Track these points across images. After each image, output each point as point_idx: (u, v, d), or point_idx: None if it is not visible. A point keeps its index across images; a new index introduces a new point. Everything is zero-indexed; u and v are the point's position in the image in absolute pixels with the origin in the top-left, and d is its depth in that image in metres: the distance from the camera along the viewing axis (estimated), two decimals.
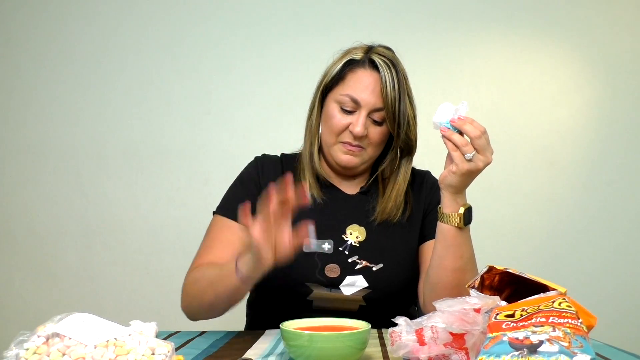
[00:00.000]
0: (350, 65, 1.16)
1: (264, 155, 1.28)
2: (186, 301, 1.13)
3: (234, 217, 1.16)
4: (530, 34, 2.25)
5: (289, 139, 2.11)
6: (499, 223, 2.18)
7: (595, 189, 2.22)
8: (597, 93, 2.24)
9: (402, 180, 1.21)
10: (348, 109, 1.14)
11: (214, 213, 1.21)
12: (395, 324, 0.83)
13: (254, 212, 1.07)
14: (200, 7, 2.26)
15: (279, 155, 1.29)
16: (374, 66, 1.14)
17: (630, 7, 2.24)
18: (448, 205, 1.04)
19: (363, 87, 1.13)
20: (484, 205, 2.27)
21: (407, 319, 0.82)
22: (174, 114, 2.25)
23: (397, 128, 1.14)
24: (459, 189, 1.03)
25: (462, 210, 1.03)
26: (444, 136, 1.00)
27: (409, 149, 1.21)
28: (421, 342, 0.78)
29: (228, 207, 1.19)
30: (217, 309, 1.09)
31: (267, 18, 2.25)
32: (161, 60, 2.26)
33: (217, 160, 2.23)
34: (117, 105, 2.26)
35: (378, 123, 1.15)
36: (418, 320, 0.81)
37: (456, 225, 1.04)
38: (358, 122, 1.12)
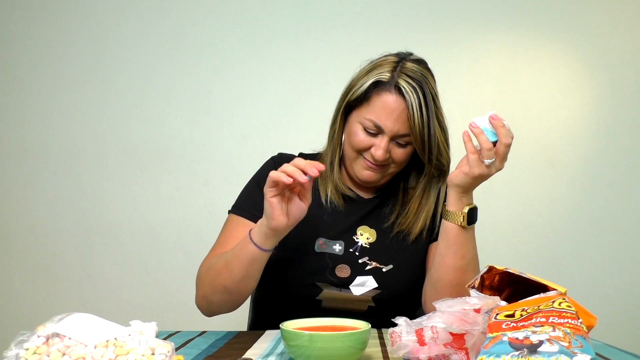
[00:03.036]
0: (376, 87, 1.10)
1: (280, 154, 1.27)
2: (201, 291, 1.12)
3: (248, 216, 1.17)
4: (530, 34, 2.25)
5: (289, 139, 2.11)
6: (499, 223, 2.18)
7: (595, 189, 2.22)
8: (597, 93, 2.24)
9: (432, 201, 1.19)
10: (371, 132, 1.11)
11: (229, 212, 1.21)
12: (395, 324, 0.83)
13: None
14: (200, 6, 2.26)
15: (297, 155, 1.29)
16: (401, 91, 1.08)
17: (631, 7, 2.24)
18: (453, 203, 1.04)
19: (387, 113, 1.08)
20: (484, 205, 2.26)
21: (407, 319, 0.82)
22: (174, 114, 2.25)
23: (428, 154, 1.11)
24: (466, 190, 1.04)
25: (466, 209, 1.04)
26: (472, 132, 0.99)
27: (441, 173, 1.18)
28: (421, 342, 0.78)
29: (242, 207, 1.19)
30: (232, 292, 1.07)
31: (268, 17, 2.25)
32: (161, 60, 2.26)
33: (217, 160, 2.23)
34: (117, 105, 2.26)
35: (402, 145, 1.12)
36: (418, 320, 0.81)
37: (459, 224, 1.04)
38: (380, 147, 1.10)
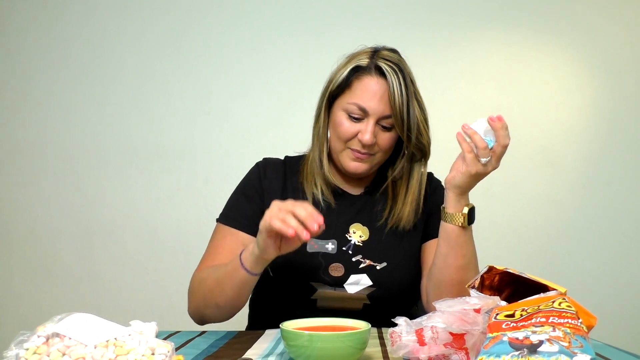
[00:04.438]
0: (356, 72, 1.14)
1: (265, 159, 1.28)
2: (193, 304, 1.13)
3: (235, 225, 1.18)
4: (531, 33, 2.25)
5: (288, 139, 2.11)
6: (499, 223, 2.18)
7: (595, 189, 2.22)
8: (597, 93, 2.24)
9: (415, 184, 1.20)
10: (356, 116, 1.12)
11: (217, 221, 1.21)
12: (395, 324, 0.83)
13: (256, 221, 1.12)
14: (199, 6, 2.27)
15: (282, 158, 1.29)
16: (381, 72, 1.12)
17: (631, 7, 2.24)
18: (452, 205, 1.05)
19: (370, 95, 1.11)
20: (484, 206, 2.26)
21: (407, 319, 0.82)
22: (174, 114, 2.25)
23: (407, 133, 1.13)
24: (464, 190, 1.05)
25: (466, 210, 1.05)
26: (465, 133, 1.00)
27: (422, 154, 1.20)
28: (421, 342, 0.78)
29: (230, 216, 1.20)
30: (224, 309, 1.10)
31: (267, 17, 2.25)
32: (160, 59, 2.26)
33: (216, 160, 2.23)
34: (117, 105, 2.26)
35: (387, 129, 1.14)
36: (418, 320, 0.81)
37: (460, 224, 1.05)
38: (367, 130, 1.11)
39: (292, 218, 0.91)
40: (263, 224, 0.94)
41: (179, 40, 2.26)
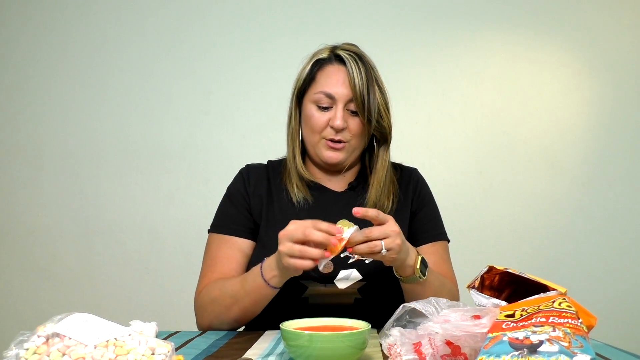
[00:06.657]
0: (318, 64, 1.20)
1: (247, 165, 1.31)
2: (206, 320, 1.15)
3: (228, 232, 1.20)
4: (531, 34, 2.25)
5: None
6: (499, 223, 2.18)
7: (595, 190, 2.22)
8: (597, 93, 2.24)
9: (380, 168, 1.23)
10: (325, 105, 1.17)
11: (209, 231, 1.23)
12: (388, 325, 0.82)
13: (248, 225, 1.17)
14: (199, 6, 2.27)
15: (266, 163, 1.31)
16: (341, 60, 1.18)
17: (631, 7, 2.24)
18: (402, 271, 1.04)
19: (334, 81, 1.16)
20: (485, 206, 2.27)
21: (401, 329, 0.81)
22: (174, 114, 2.25)
23: (367, 116, 1.16)
24: (400, 266, 1.03)
25: (418, 264, 1.03)
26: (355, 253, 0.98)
27: (384, 138, 1.23)
28: (422, 359, 0.77)
29: (221, 224, 1.22)
30: (241, 321, 1.13)
31: (267, 17, 2.26)
32: (160, 60, 2.26)
33: (216, 160, 2.23)
34: (117, 105, 2.26)
35: (355, 113, 1.18)
36: (412, 330, 0.79)
37: (420, 279, 1.04)
38: (336, 116, 1.15)
39: (310, 249, 0.93)
40: (286, 264, 0.96)
41: (178, 40, 2.26)
